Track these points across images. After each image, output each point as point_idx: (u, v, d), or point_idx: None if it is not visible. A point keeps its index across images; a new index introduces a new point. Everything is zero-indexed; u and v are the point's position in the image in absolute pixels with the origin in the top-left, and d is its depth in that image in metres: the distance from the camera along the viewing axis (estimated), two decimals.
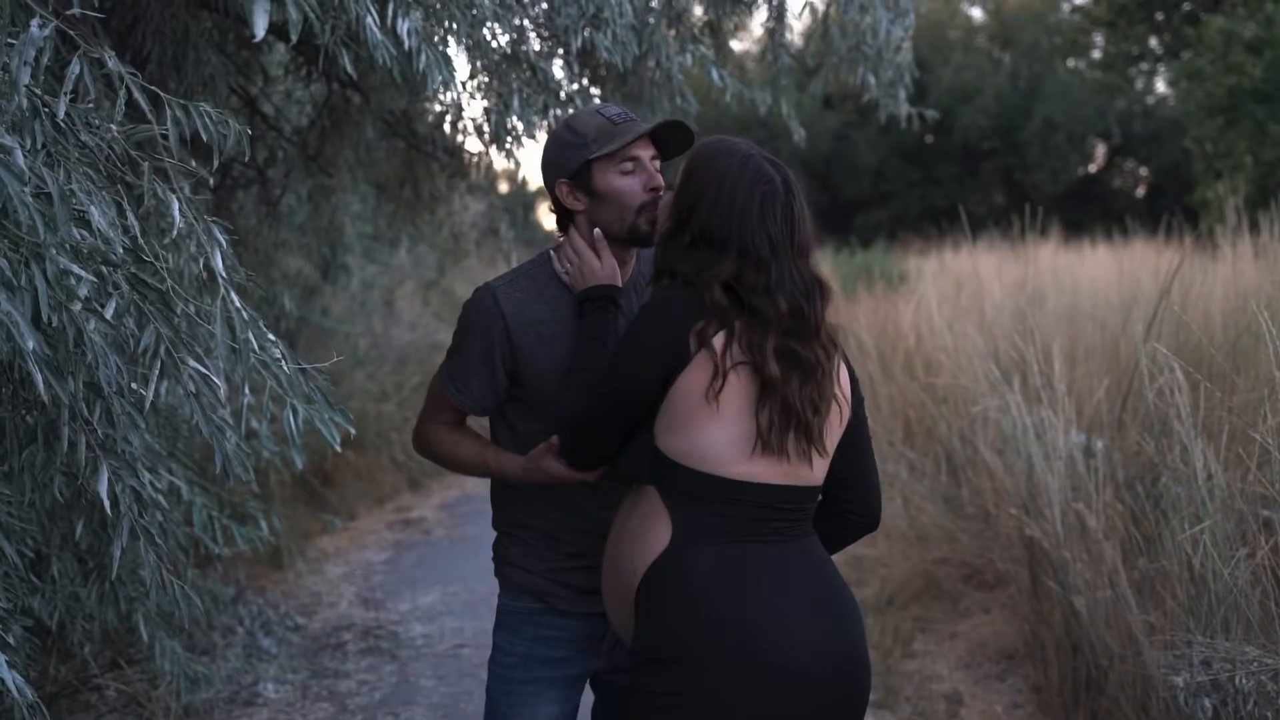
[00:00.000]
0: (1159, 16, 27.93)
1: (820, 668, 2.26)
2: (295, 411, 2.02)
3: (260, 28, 1.77)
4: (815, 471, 2.36)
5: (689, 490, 2.29)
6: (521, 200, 20.78)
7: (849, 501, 2.54)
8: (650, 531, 2.31)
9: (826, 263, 19.88)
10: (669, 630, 2.25)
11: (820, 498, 2.48)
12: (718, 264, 2.27)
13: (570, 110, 4.58)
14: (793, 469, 2.30)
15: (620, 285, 2.55)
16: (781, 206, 2.31)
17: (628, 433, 2.36)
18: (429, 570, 7.46)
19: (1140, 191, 36.76)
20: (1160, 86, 34.32)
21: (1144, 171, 36.59)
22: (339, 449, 2.11)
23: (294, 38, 2.04)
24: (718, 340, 2.23)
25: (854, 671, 2.34)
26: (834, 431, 2.37)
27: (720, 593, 2.24)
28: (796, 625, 2.26)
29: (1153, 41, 29.04)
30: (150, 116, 2.16)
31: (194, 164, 2.31)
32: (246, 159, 5.57)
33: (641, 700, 2.30)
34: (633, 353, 2.31)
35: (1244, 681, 3.67)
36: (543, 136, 4.50)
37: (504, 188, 13.11)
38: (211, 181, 2.34)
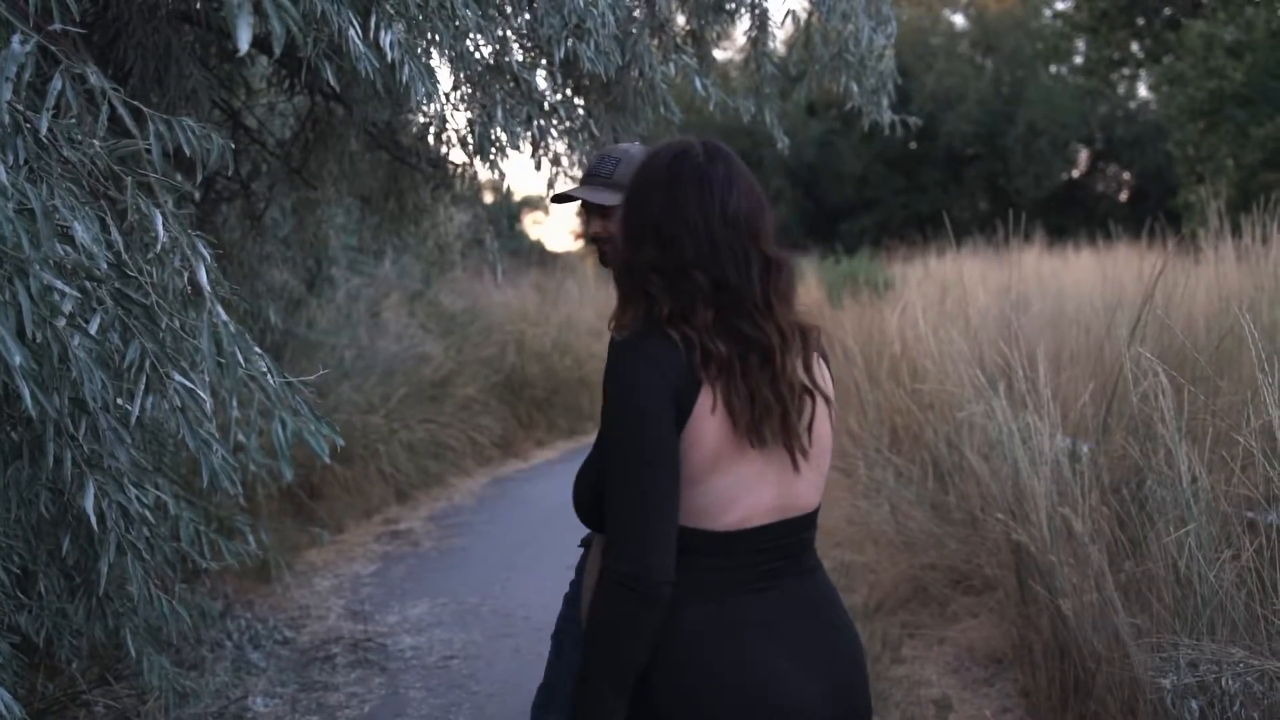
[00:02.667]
0: (1140, 22, 28.05)
1: (820, 717, 2.17)
2: (284, 424, 2.02)
3: (244, 41, 1.77)
4: (806, 495, 2.21)
5: (692, 546, 2.10)
6: (507, 211, 20.77)
7: None
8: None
9: (812, 270, 19.94)
10: (662, 695, 2.09)
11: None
12: (641, 252, 2.14)
13: (554, 120, 4.59)
14: (784, 499, 2.16)
15: None
16: (700, 179, 2.14)
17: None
18: (417, 582, 7.45)
19: (1123, 196, 36.88)
20: (1142, 91, 34.47)
21: (1127, 176, 36.71)
22: (327, 460, 2.10)
23: (277, 51, 2.04)
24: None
25: (852, 693, 2.26)
26: (821, 435, 2.21)
27: (714, 654, 2.09)
28: (794, 678, 2.13)
29: (1134, 46, 29.17)
30: (133, 131, 2.16)
31: (178, 178, 2.31)
32: (230, 173, 5.59)
33: None
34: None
35: (1230, 683, 3.69)
36: (526, 147, 4.52)
37: (489, 198, 13.09)
38: (196, 195, 2.33)
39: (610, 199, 2.85)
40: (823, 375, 2.25)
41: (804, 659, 2.16)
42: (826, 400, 2.21)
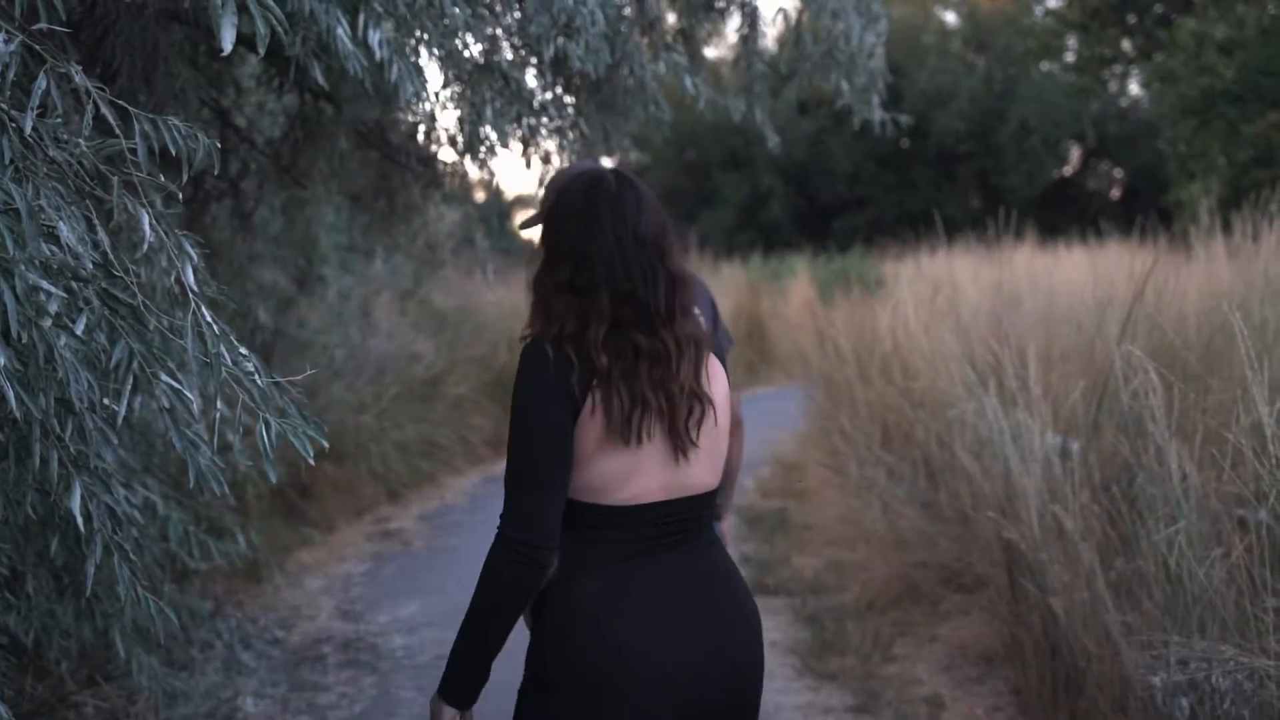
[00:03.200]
0: (1131, 19, 28.06)
1: (685, 677, 2.35)
2: (269, 425, 2.02)
3: (228, 41, 1.77)
4: (698, 477, 2.44)
5: (584, 519, 2.37)
6: (498, 209, 20.77)
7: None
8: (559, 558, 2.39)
9: (804, 268, 19.95)
10: (552, 655, 2.36)
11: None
12: (557, 273, 2.42)
13: (544, 119, 4.59)
14: (674, 481, 2.40)
15: None
16: (613, 204, 2.42)
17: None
18: (409, 581, 7.44)
19: (1115, 193, 36.96)
20: (1134, 89, 34.49)
21: (1118, 173, 36.80)
22: (312, 462, 2.10)
23: (261, 50, 2.03)
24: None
25: (729, 678, 2.42)
26: (710, 431, 2.45)
27: (587, 610, 2.34)
28: (664, 639, 2.35)
29: (1125, 44, 29.18)
30: (118, 131, 2.15)
31: (164, 178, 2.30)
32: (217, 172, 5.57)
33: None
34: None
35: (1220, 680, 3.69)
36: (516, 146, 4.51)
37: (480, 196, 13.08)
38: (181, 195, 2.33)
39: None
40: (713, 380, 2.50)
41: (690, 624, 2.39)
42: (713, 404, 2.45)
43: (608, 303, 2.35)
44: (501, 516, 2.33)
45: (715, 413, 2.45)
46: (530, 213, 4.39)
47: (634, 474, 2.36)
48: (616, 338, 2.34)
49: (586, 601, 2.35)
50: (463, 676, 2.41)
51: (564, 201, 2.48)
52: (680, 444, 2.39)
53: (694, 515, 2.46)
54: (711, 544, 2.51)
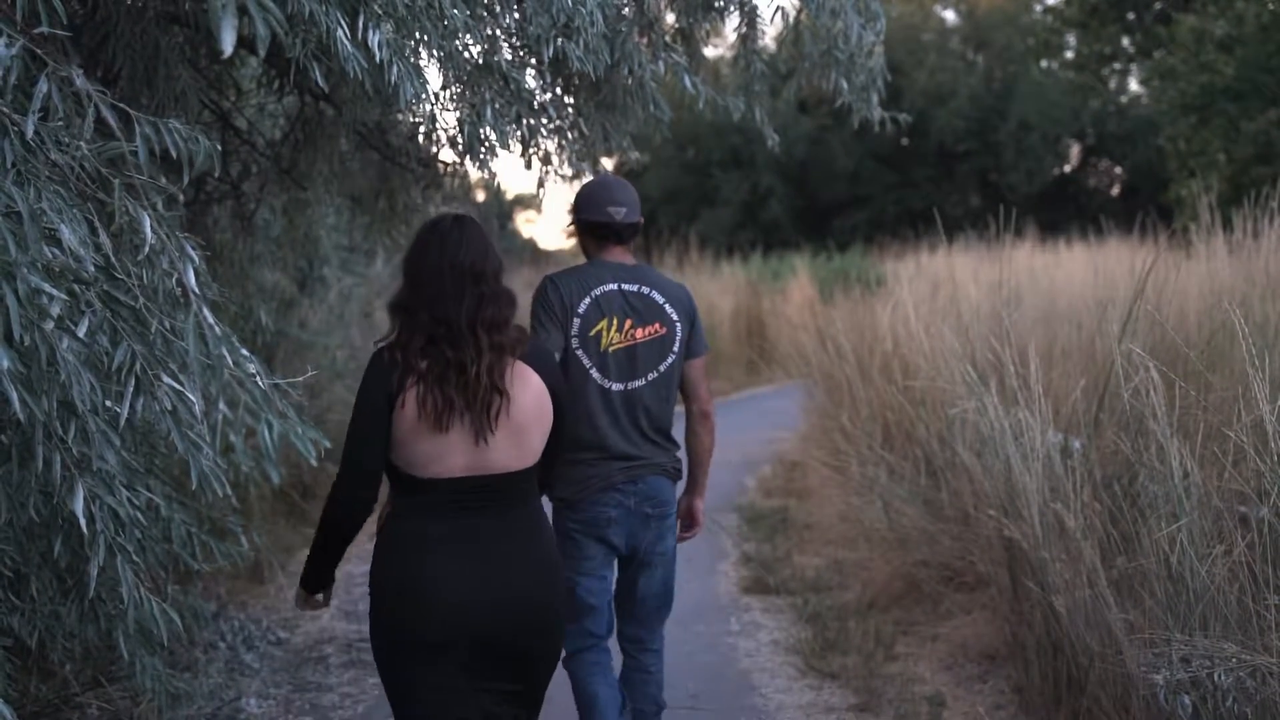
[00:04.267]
0: (1131, 16, 28.05)
1: (477, 606, 3.07)
2: (270, 427, 2.02)
3: (228, 44, 1.77)
4: (499, 460, 3.11)
5: (402, 486, 3.13)
6: (498, 210, 20.76)
7: (546, 467, 3.34)
8: (386, 509, 3.23)
9: (804, 267, 19.95)
10: (372, 573, 3.17)
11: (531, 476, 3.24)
12: (399, 296, 3.16)
13: (544, 119, 4.59)
14: (476, 462, 3.08)
15: None
16: (440, 239, 3.13)
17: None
18: None
19: (1115, 191, 36.94)
20: (1133, 86, 34.51)
21: (1118, 171, 36.78)
22: (315, 464, 2.10)
23: (261, 52, 2.04)
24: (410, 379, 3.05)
25: (514, 612, 3.12)
26: (522, 426, 3.12)
27: (399, 551, 3.13)
28: (455, 575, 3.08)
29: (1125, 41, 29.18)
30: (119, 134, 2.16)
31: (165, 180, 2.31)
32: (217, 174, 5.58)
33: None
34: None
35: (1223, 678, 3.69)
36: (515, 147, 4.51)
37: (480, 197, 13.07)
38: (182, 197, 2.33)
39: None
40: (522, 382, 3.13)
41: (484, 568, 3.10)
42: (509, 399, 3.08)
43: (427, 319, 3.05)
44: (338, 472, 3.06)
45: (510, 407, 3.07)
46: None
47: (441, 455, 3.05)
48: (431, 348, 3.03)
49: (396, 539, 3.13)
50: (313, 573, 3.27)
51: (415, 236, 3.24)
52: (481, 432, 3.05)
53: (497, 488, 3.13)
54: (520, 511, 3.20)
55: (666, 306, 4.05)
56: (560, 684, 3.82)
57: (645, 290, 4.04)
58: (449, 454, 3.05)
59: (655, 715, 4.30)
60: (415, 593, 3.08)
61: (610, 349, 3.97)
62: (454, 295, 3.05)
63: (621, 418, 4.00)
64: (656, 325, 4.02)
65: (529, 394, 3.12)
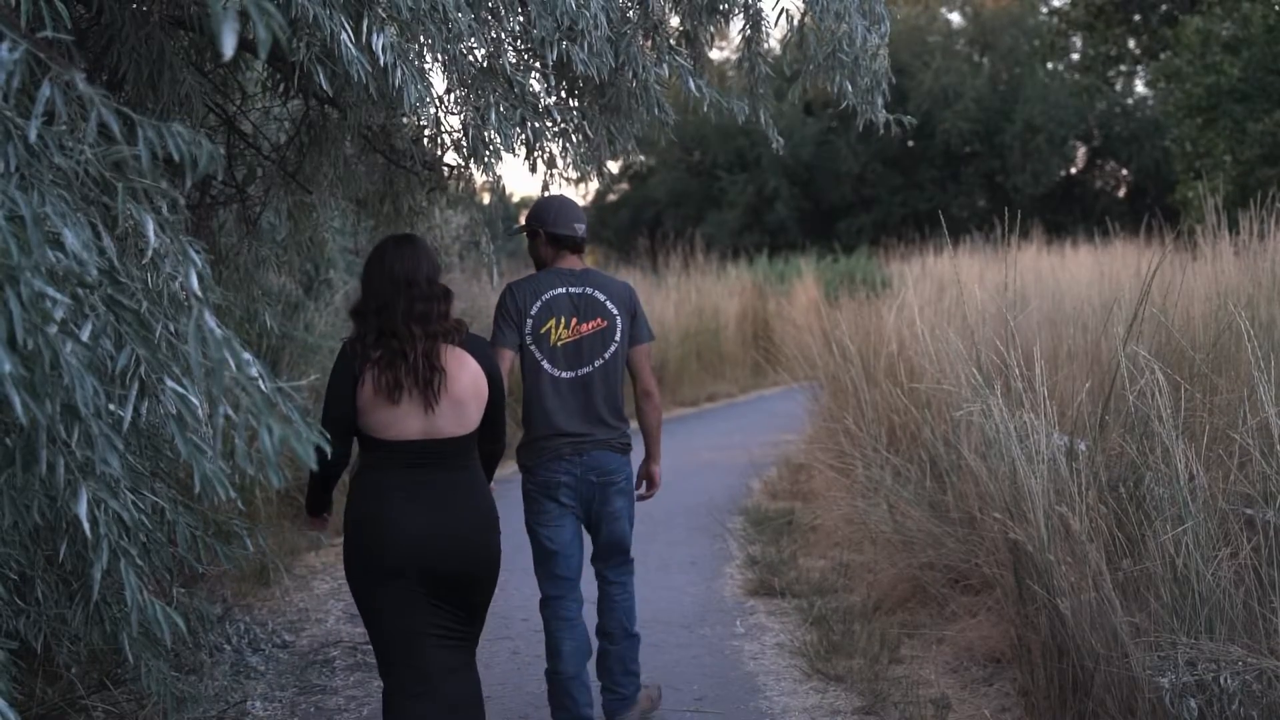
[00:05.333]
0: (1136, 18, 28.04)
1: (425, 541, 3.88)
2: (270, 431, 2.02)
3: (228, 47, 1.77)
4: (445, 427, 3.92)
5: (367, 445, 3.98)
6: (504, 212, 20.77)
7: (485, 440, 4.14)
8: (357, 462, 4.09)
9: (810, 269, 19.94)
10: (346, 512, 4.01)
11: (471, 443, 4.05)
12: (358, 302, 4.07)
13: (548, 123, 4.59)
14: (427, 427, 3.90)
15: None
16: (380, 256, 4.01)
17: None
18: None
19: (1121, 192, 36.91)
20: (1139, 87, 34.49)
21: (1124, 172, 36.75)
22: (315, 468, 2.11)
23: (262, 56, 2.04)
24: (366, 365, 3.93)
25: (457, 547, 3.93)
26: (461, 400, 3.94)
27: (365, 495, 3.96)
28: (411, 517, 3.88)
29: (1131, 43, 29.17)
30: (118, 138, 2.16)
31: (167, 184, 2.31)
32: (221, 178, 5.58)
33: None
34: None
35: (1229, 681, 3.69)
36: (520, 150, 4.52)
37: (485, 199, 13.08)
38: (183, 201, 2.34)
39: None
40: (458, 364, 3.95)
41: (431, 512, 3.91)
42: (445, 375, 3.90)
43: (374, 319, 3.91)
44: None
45: (450, 384, 3.89)
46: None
47: (393, 422, 3.89)
48: (382, 341, 3.87)
49: (362, 487, 3.98)
50: (311, 504, 4.30)
51: (367, 258, 4.09)
52: (428, 403, 3.87)
53: (441, 450, 3.94)
54: (462, 469, 4.00)
55: (608, 303, 4.90)
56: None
57: (589, 290, 4.90)
58: (400, 421, 3.89)
59: (622, 638, 5.05)
60: (375, 529, 3.91)
61: (559, 343, 4.83)
62: (392, 299, 3.89)
63: (569, 401, 4.83)
64: (599, 320, 4.88)
65: (466, 374, 3.96)
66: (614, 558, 5.06)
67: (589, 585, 5.04)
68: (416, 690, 3.97)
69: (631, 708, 5.09)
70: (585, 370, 4.83)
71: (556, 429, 4.81)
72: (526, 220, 5.07)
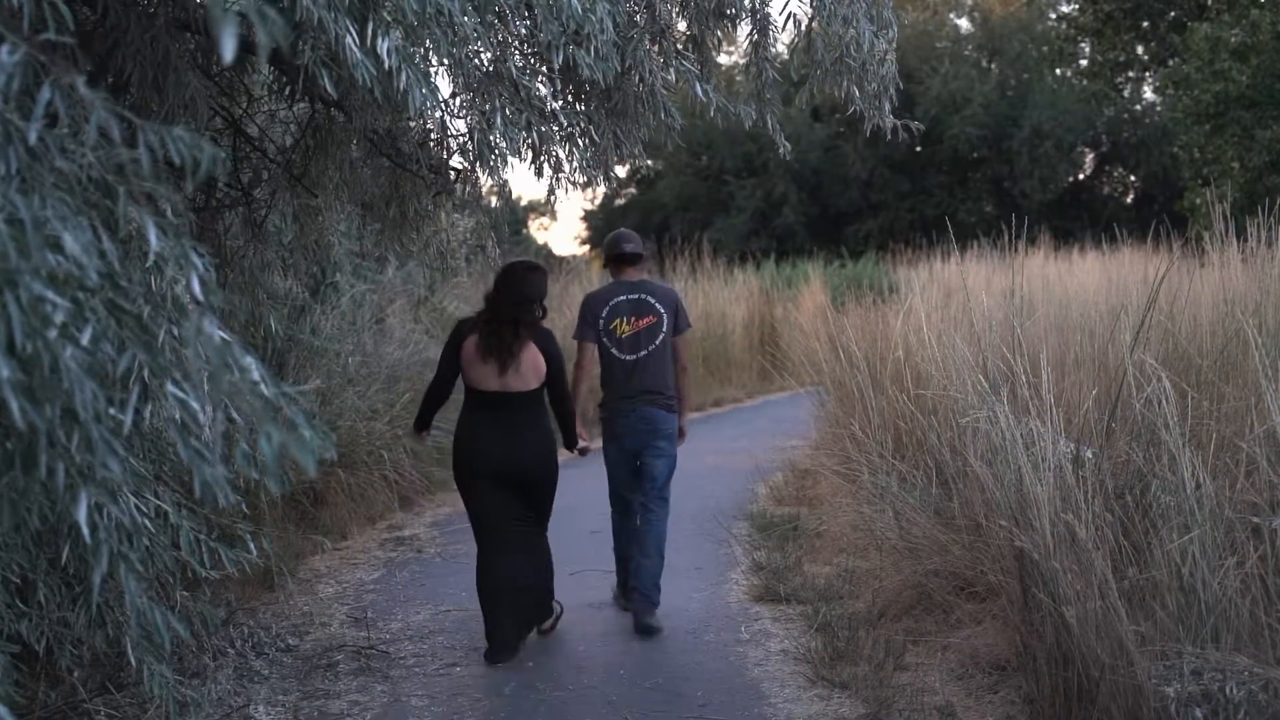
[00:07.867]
0: (1145, 25, 28.00)
1: (503, 456, 5.93)
2: (270, 438, 2.01)
3: (229, 50, 1.76)
4: (515, 384, 5.91)
5: (467, 391, 6.00)
6: (510, 216, 20.77)
7: (553, 401, 6.19)
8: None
9: (816, 274, 19.91)
10: (455, 433, 6.05)
11: (543, 397, 6.12)
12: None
13: (554, 127, 4.58)
14: (503, 384, 5.89)
15: None
16: (506, 277, 5.98)
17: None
18: (420, 589, 7.45)
19: (1129, 199, 36.86)
20: (1147, 94, 34.45)
21: (1132, 178, 36.71)
22: (313, 474, 2.09)
23: (263, 59, 2.03)
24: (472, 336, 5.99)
25: (519, 458, 5.96)
26: (525, 370, 5.90)
27: (462, 424, 6.02)
28: (491, 440, 5.93)
29: (1139, 49, 29.13)
30: (117, 141, 2.15)
31: (169, 188, 2.30)
32: (226, 181, 5.58)
33: None
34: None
35: (1235, 691, 3.67)
36: (526, 154, 4.51)
37: (492, 203, 13.08)
38: (185, 204, 2.33)
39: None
40: (528, 348, 5.92)
41: (501, 435, 5.93)
42: (516, 352, 5.91)
43: (488, 309, 5.94)
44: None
45: (518, 360, 5.87)
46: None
47: (485, 377, 5.90)
48: (488, 321, 5.89)
49: (461, 424, 6.02)
50: (419, 422, 6.30)
51: (500, 270, 6.10)
52: (503, 367, 5.86)
53: (512, 400, 5.93)
54: (527, 411, 5.98)
55: (657, 304, 6.69)
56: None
57: (643, 296, 6.70)
58: (486, 377, 5.92)
59: (644, 601, 6.53)
60: (469, 445, 5.99)
61: (623, 335, 6.62)
62: (508, 303, 5.88)
63: (631, 376, 6.61)
64: (651, 317, 6.66)
65: (528, 355, 5.91)
66: (653, 490, 6.66)
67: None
68: (497, 551, 6.00)
69: (654, 611, 6.54)
70: (642, 354, 6.61)
71: (622, 394, 6.61)
72: (602, 252, 7.27)
